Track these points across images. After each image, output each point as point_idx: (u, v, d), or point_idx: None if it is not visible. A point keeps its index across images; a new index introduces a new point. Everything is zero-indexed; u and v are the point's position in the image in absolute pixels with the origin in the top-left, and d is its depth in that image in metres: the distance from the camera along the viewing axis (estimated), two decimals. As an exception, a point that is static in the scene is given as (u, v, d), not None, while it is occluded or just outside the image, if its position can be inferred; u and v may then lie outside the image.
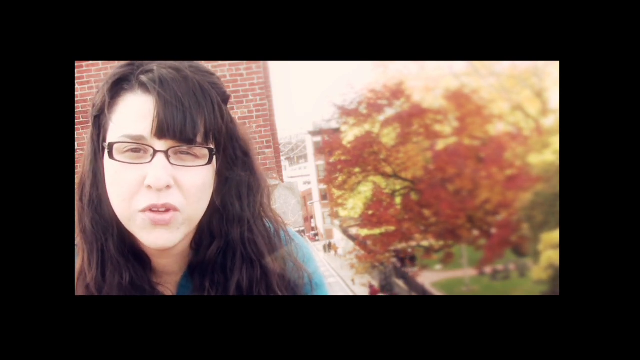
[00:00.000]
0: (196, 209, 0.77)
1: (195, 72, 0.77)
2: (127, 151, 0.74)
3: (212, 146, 0.77)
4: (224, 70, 6.06)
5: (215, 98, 0.77)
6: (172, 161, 0.74)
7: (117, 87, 0.77)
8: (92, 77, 5.81)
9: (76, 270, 0.80)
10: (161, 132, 0.73)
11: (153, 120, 0.73)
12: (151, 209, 0.74)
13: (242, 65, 6.09)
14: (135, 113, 0.74)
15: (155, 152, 0.73)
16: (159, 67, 0.76)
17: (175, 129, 0.73)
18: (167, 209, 0.74)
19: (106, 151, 0.75)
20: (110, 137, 0.76)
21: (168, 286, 0.84)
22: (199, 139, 0.74)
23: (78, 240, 0.81)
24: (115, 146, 0.74)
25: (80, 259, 0.80)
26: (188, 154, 0.75)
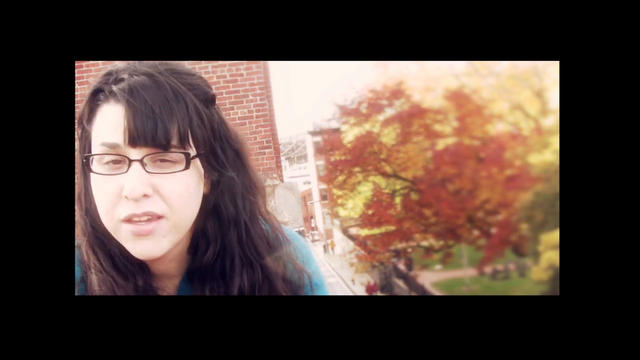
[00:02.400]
0: (182, 216, 0.76)
1: (170, 75, 0.76)
2: (108, 162, 0.74)
3: (189, 150, 0.75)
4: (224, 70, 6.06)
5: (191, 100, 0.76)
6: (148, 169, 0.73)
7: (95, 98, 0.77)
8: (92, 77, 5.80)
9: (97, 271, 0.79)
10: (133, 140, 0.72)
11: (124, 129, 0.73)
12: (132, 219, 0.73)
13: (242, 65, 6.09)
14: (108, 122, 0.74)
15: (130, 161, 0.73)
16: (130, 76, 0.75)
17: (146, 136, 0.72)
18: (149, 217, 0.74)
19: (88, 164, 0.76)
20: (93, 149, 0.76)
21: (167, 290, 0.83)
22: (174, 143, 0.73)
23: (85, 245, 0.80)
24: (95, 158, 0.74)
25: (97, 262, 0.79)
26: (165, 160, 0.74)
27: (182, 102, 0.75)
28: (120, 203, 0.74)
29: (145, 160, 0.73)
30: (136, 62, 0.78)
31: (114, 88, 0.75)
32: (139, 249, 0.75)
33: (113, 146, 0.73)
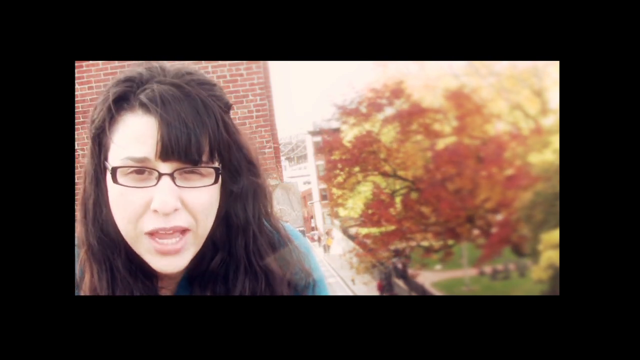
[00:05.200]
0: (205, 227, 0.76)
1: (197, 86, 0.75)
2: (130, 173, 0.72)
3: (217, 164, 0.75)
4: (224, 70, 6.06)
5: (219, 112, 0.75)
6: (177, 183, 0.72)
7: (117, 105, 0.74)
8: (92, 77, 5.80)
9: (85, 287, 0.79)
10: (166, 154, 0.71)
11: (157, 143, 0.71)
12: (159, 232, 0.73)
13: (242, 65, 6.09)
14: (137, 135, 0.72)
15: (160, 175, 0.72)
16: (158, 85, 0.73)
17: (180, 151, 0.71)
18: (177, 233, 0.73)
19: (109, 174, 0.74)
20: (112, 158, 0.74)
21: (169, 287, 0.83)
22: (204, 158, 0.73)
23: (83, 255, 0.79)
24: (119, 170, 0.72)
25: (89, 276, 0.78)
26: (193, 172, 0.74)
27: (212, 116, 0.74)
28: (146, 215, 0.73)
29: (174, 174, 0.72)
30: (158, 66, 0.76)
31: (144, 98, 0.73)
32: (162, 264, 0.75)
33: (142, 160, 0.72)
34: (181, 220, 0.73)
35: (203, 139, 0.72)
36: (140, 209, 0.73)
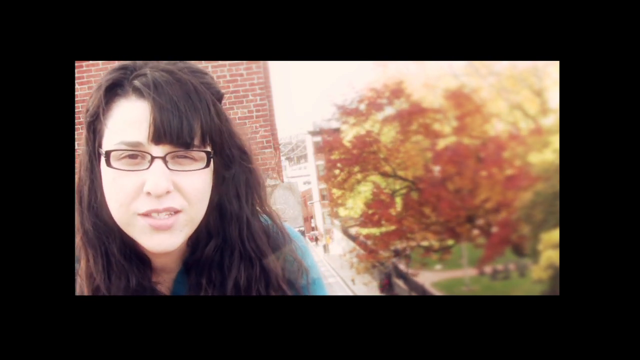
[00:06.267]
0: (198, 211, 0.77)
1: (189, 73, 0.77)
2: (124, 157, 0.74)
3: (209, 149, 0.76)
4: (224, 70, 6.06)
5: (211, 99, 0.77)
6: (170, 166, 0.74)
7: (111, 92, 0.76)
8: (92, 77, 5.81)
9: (82, 272, 0.79)
10: (158, 137, 0.73)
11: (149, 126, 0.73)
12: (152, 214, 0.74)
13: (242, 65, 6.10)
14: (130, 119, 0.74)
15: (153, 158, 0.73)
16: (152, 71, 0.75)
17: (172, 134, 0.72)
18: (170, 212, 0.74)
19: (103, 159, 0.75)
20: (106, 144, 0.75)
21: (165, 284, 0.84)
22: (196, 142, 0.74)
23: (78, 242, 0.80)
24: (112, 154, 0.74)
25: (84, 261, 0.79)
26: (186, 157, 0.75)
27: (203, 101, 0.76)
28: (139, 198, 0.74)
29: (167, 157, 0.73)
30: (152, 61, 0.78)
31: (137, 83, 0.74)
32: (155, 242, 0.75)
33: (135, 144, 0.73)
34: (174, 202, 0.74)
35: (195, 123, 0.74)
36: (133, 192, 0.74)
